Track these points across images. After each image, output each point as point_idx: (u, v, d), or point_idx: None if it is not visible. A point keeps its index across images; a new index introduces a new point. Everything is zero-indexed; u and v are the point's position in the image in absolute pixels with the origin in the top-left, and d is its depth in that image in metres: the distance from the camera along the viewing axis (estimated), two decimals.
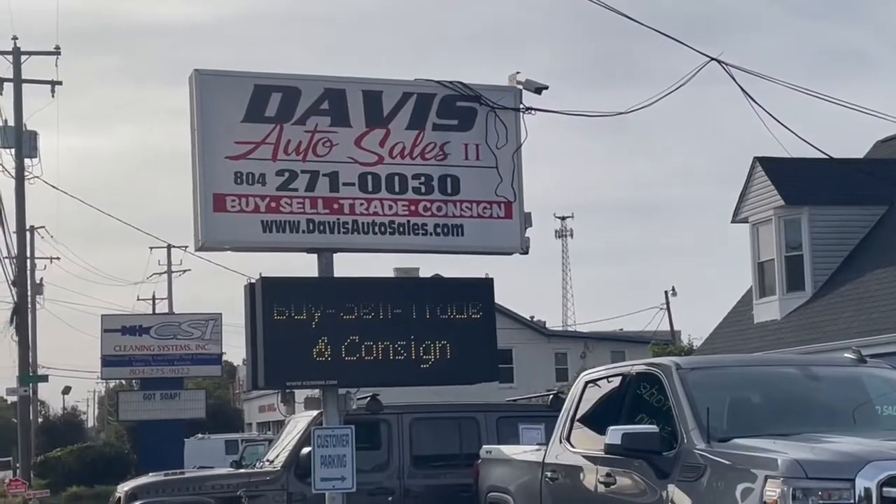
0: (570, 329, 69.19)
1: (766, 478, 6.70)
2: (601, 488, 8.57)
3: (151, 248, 56.90)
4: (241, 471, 13.46)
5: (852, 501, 6.41)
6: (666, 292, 57.02)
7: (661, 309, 56.70)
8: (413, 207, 10.76)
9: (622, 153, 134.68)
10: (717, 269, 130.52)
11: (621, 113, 11.66)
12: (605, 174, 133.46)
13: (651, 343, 43.46)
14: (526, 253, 11.10)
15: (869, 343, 18.37)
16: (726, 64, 12.13)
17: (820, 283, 23.46)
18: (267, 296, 10.33)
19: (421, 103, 10.86)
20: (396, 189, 10.73)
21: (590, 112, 11.69)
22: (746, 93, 12.37)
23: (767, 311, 24.42)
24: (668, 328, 55.45)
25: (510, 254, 11.27)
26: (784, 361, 10.77)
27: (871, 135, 36.93)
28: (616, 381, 9.20)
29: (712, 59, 12.16)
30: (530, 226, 11.04)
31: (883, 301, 21.05)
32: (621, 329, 63.79)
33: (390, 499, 12.48)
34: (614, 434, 7.94)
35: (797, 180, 23.68)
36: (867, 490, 6.39)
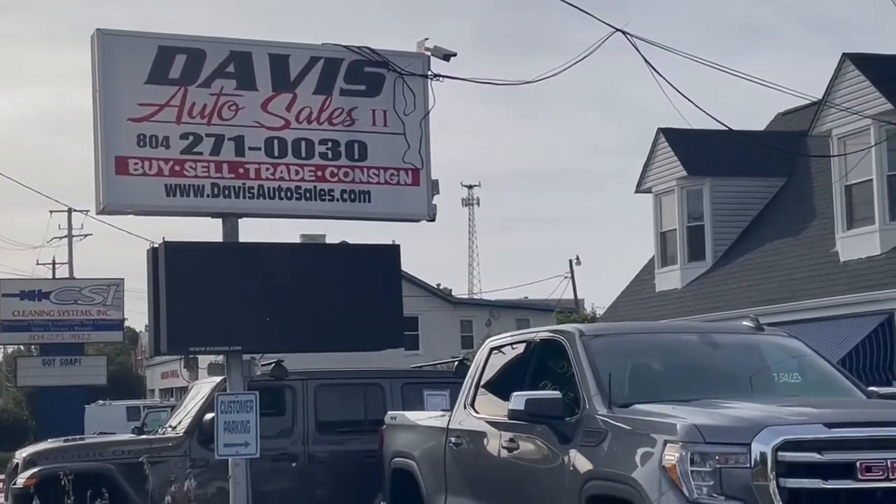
0: (475, 297, 69.52)
1: (666, 442, 6.79)
2: (504, 453, 8.63)
3: (52, 211, 55.68)
4: (143, 437, 13.28)
5: (748, 465, 6.52)
6: (570, 261, 57.62)
7: (566, 278, 57.26)
8: (320, 173, 10.68)
9: (530, 123, 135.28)
10: (621, 238, 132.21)
11: (527, 82, 11.70)
12: (512, 144, 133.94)
13: (555, 311, 43.88)
14: (433, 220, 11.10)
15: (767, 311, 18.78)
16: (631, 35, 12.21)
17: (720, 253, 23.89)
18: (170, 260, 10.19)
19: (328, 68, 10.76)
20: (303, 154, 10.64)
21: (496, 80, 11.74)
22: (650, 63, 12.47)
23: (669, 280, 24.80)
24: (572, 297, 56.00)
25: (417, 220, 11.26)
26: (684, 329, 10.94)
27: (773, 108, 37.60)
28: (520, 348, 9.27)
29: (617, 29, 12.23)
30: (437, 193, 11.04)
31: (780, 271, 21.51)
32: (526, 297, 64.28)
33: (294, 465, 12.45)
34: (518, 400, 8.00)
35: (699, 152, 24.03)
36: (763, 454, 6.50)
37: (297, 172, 10.59)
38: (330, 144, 10.71)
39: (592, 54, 11.52)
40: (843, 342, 17.96)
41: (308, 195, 10.61)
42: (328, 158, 10.69)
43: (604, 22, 12.14)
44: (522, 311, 55.00)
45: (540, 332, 9.22)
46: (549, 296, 58.59)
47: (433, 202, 11.04)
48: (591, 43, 11.90)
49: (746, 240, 23.66)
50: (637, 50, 12.11)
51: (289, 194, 10.55)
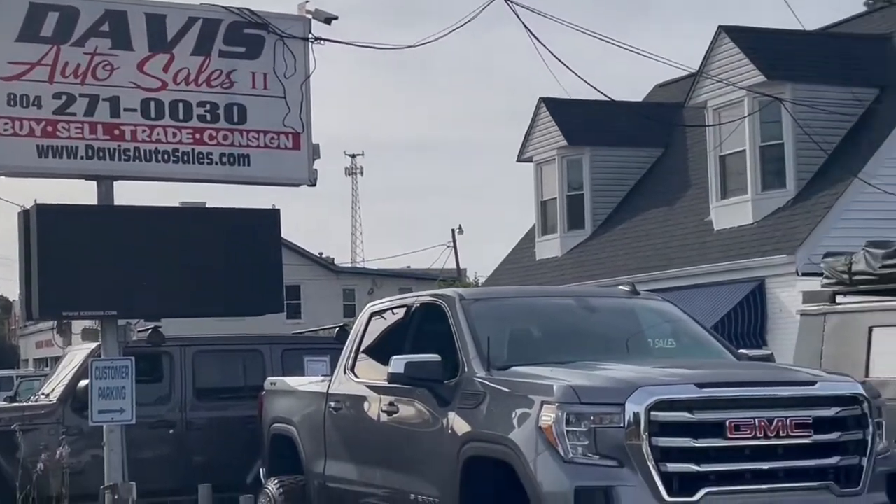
0: (358, 266, 69.38)
1: (542, 403, 6.85)
2: (384, 417, 8.63)
3: None
4: (15, 405, 12.98)
5: (622, 425, 6.61)
6: (453, 230, 57.72)
7: (448, 247, 57.43)
8: (198, 136, 10.49)
9: (415, 93, 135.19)
10: (504, 208, 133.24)
11: (409, 46, 11.66)
12: (396, 113, 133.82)
13: (438, 280, 44.03)
14: (314, 185, 11.00)
15: (644, 279, 19.14)
16: (512, 2, 12.23)
17: (599, 221, 24.24)
18: (42, 223, 9.91)
19: (207, 29, 10.55)
20: (181, 116, 10.44)
21: (378, 45, 11.65)
22: (531, 32, 12.50)
23: (549, 248, 25.09)
24: (455, 266, 56.25)
25: (298, 185, 11.16)
26: (562, 293, 11.05)
27: (655, 79, 38.12)
28: (401, 313, 9.26)
29: None
30: (318, 157, 10.94)
31: (657, 239, 21.91)
32: (409, 267, 64.39)
33: (171, 431, 12.30)
34: (397, 363, 7.99)
35: (580, 122, 24.30)
36: (636, 414, 6.60)
37: (174, 135, 10.39)
38: (208, 107, 10.52)
39: (479, 24, 11.57)
40: (716, 308, 18.40)
41: (186, 158, 10.42)
42: (206, 121, 10.50)
43: None
44: (405, 280, 55.09)
45: (420, 296, 9.22)
46: (431, 265, 58.76)
47: (314, 167, 10.94)
48: (475, 11, 11.89)
49: (625, 209, 24.04)
50: (518, 18, 12.14)
51: (166, 157, 10.35)
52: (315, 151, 10.91)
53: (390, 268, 61.26)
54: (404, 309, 9.20)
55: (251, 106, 10.67)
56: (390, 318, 9.46)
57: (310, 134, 10.88)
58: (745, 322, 18.22)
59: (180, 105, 10.42)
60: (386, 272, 57.23)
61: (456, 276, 50.48)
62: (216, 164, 10.54)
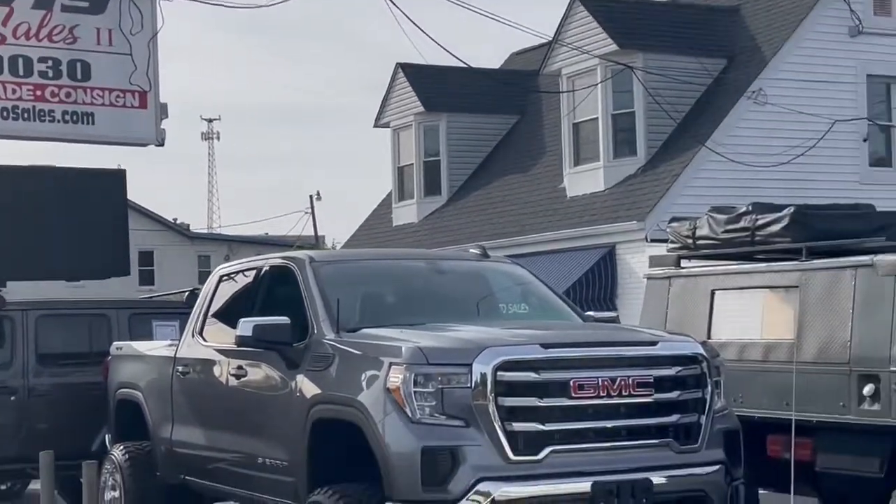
0: (214, 232, 68.39)
1: (391, 365, 6.83)
2: (232, 381, 8.52)
3: None
4: None
5: (469, 386, 6.63)
6: (311, 196, 57.36)
7: (307, 213, 57.04)
8: (39, 92, 10.19)
9: (273, 57, 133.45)
10: (362, 174, 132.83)
11: (263, 7, 11.49)
12: (254, 78, 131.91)
13: (295, 246, 43.71)
14: (161, 145, 10.79)
15: (499, 245, 19.30)
16: None
17: (455, 187, 24.35)
18: None
19: None
20: (21, 72, 10.13)
21: (229, 3, 11.43)
22: None
23: (406, 214, 25.11)
24: (312, 233, 55.90)
25: (145, 145, 10.93)
26: (413, 256, 11.04)
27: (509, 47, 38.38)
28: (251, 275, 9.12)
29: None
30: (166, 117, 10.72)
31: (512, 205, 22.12)
32: (267, 233, 63.74)
33: (13, 398, 11.91)
34: (245, 326, 7.85)
35: (437, 88, 24.31)
36: (483, 375, 6.62)
37: (13, 91, 10.07)
38: (50, 63, 10.23)
39: None
40: (570, 273, 18.68)
41: (26, 115, 10.12)
42: (48, 77, 10.21)
43: None
44: (262, 246, 54.44)
45: (270, 258, 9.08)
46: (289, 231, 58.32)
47: (162, 127, 10.72)
48: None
49: (480, 175, 24.19)
50: None
51: (5, 114, 10.04)
52: (163, 111, 10.69)
53: (247, 234, 60.59)
54: (254, 272, 9.06)
55: (96, 63, 10.41)
56: (240, 281, 9.31)
57: (157, 93, 10.66)
58: (597, 287, 18.55)
59: (20, 60, 10.11)
60: (243, 238, 56.55)
61: (314, 243, 50.20)
62: (58, 122, 10.27)
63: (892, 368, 8.45)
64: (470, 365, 6.65)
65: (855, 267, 8.94)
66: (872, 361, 8.63)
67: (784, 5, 20.12)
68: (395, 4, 12.56)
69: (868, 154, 19.88)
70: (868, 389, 8.61)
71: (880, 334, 8.58)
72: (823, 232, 9.71)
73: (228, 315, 9.02)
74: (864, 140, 19.74)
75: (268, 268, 8.87)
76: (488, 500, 6.49)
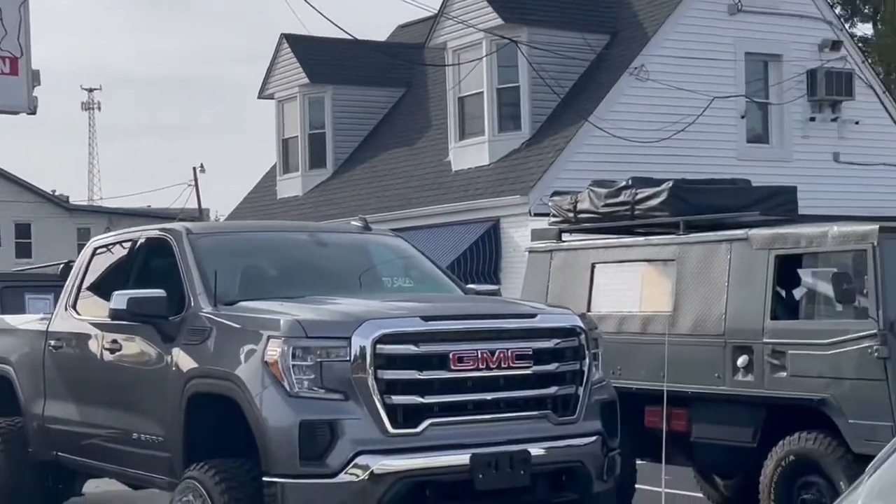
0: (95, 204, 66.94)
1: (269, 338, 6.73)
2: (107, 355, 8.32)
3: None
4: None
5: (348, 359, 6.57)
6: (194, 168, 56.44)
7: (190, 185, 56.14)
8: None
9: (157, 29, 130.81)
10: (247, 146, 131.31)
11: None
12: (139, 48, 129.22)
13: (178, 219, 43.03)
14: (34, 113, 10.48)
15: (385, 218, 19.23)
16: None
17: (341, 160, 24.19)
18: None
19: None
20: None
21: None
22: None
23: (290, 187, 24.88)
24: (196, 205, 55.06)
25: (16, 113, 10.60)
26: (294, 228, 10.92)
27: (395, 18, 38.21)
28: (126, 248, 8.91)
29: None
30: (38, 84, 10.42)
31: (397, 179, 22.05)
32: (149, 206, 62.59)
33: None
34: (119, 299, 7.66)
35: (322, 59, 24.08)
36: (362, 348, 6.56)
37: None
38: None
39: None
40: (453, 247, 18.72)
41: None
42: None
43: None
44: (144, 219, 53.38)
45: (146, 230, 8.88)
46: (172, 204, 57.39)
47: (34, 94, 10.40)
48: None
49: (366, 148, 24.07)
50: None
51: None
52: (35, 78, 10.38)
53: (129, 206, 59.43)
54: (130, 244, 8.86)
55: None
56: (115, 253, 9.10)
57: (29, 59, 10.32)
58: (481, 260, 18.62)
59: None
60: (124, 211, 55.44)
61: (197, 216, 49.45)
62: None
63: (766, 340, 8.66)
64: (349, 338, 6.59)
65: (730, 241, 9.10)
66: (746, 333, 8.81)
67: None
68: None
69: (745, 131, 20.29)
70: (742, 361, 8.80)
71: (754, 307, 8.76)
72: (700, 206, 9.88)
73: (103, 288, 8.80)
74: (742, 117, 20.12)
75: (144, 240, 8.67)
76: (367, 473, 6.45)
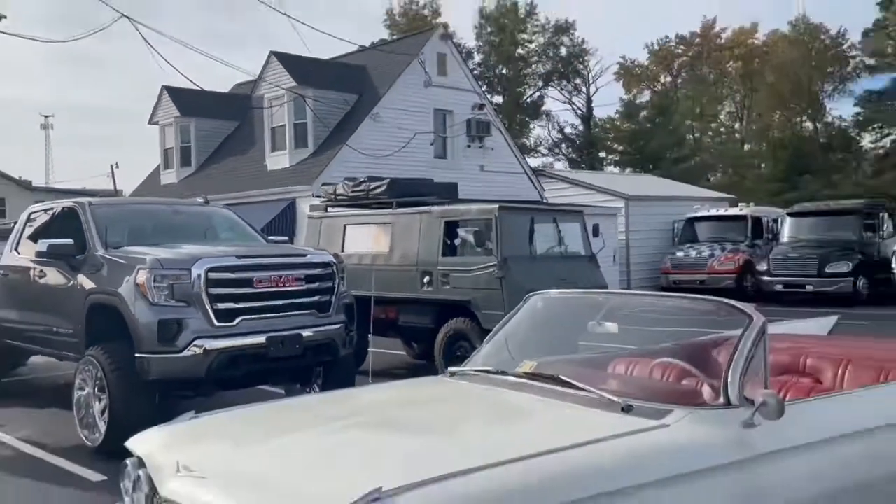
0: (50, 185, 59.92)
1: (139, 269, 6.15)
2: (37, 280, 7.42)
3: None
4: None
5: (190, 282, 6.10)
6: (111, 165, 51.52)
7: (108, 177, 51.21)
8: None
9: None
10: (149, 150, 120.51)
11: None
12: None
13: (98, 196, 39.10)
14: None
15: (224, 198, 18.07)
16: None
17: (201, 162, 22.59)
18: None
19: None
20: None
21: None
22: None
23: (169, 177, 23.04)
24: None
25: None
26: (160, 202, 10.08)
27: (234, 78, 35.92)
28: (51, 212, 7.98)
29: None
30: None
31: (234, 174, 20.80)
32: (84, 187, 56.61)
33: None
34: (43, 244, 6.90)
35: (189, 103, 22.29)
36: (199, 275, 6.11)
37: None
38: None
39: None
40: (266, 216, 17.65)
41: None
42: None
43: None
44: (81, 195, 48.36)
45: (64, 202, 7.97)
46: (100, 186, 52.18)
47: None
48: None
49: (216, 156, 22.53)
50: None
51: None
52: None
53: (71, 187, 53.49)
54: (53, 209, 7.93)
55: None
56: (44, 216, 8.13)
57: None
58: (283, 224, 17.86)
59: None
60: (67, 190, 49.79)
61: (114, 194, 45.22)
62: None
63: (439, 268, 8.77)
64: (190, 269, 6.11)
65: (420, 213, 9.17)
66: (428, 264, 8.90)
67: (388, 66, 20.14)
68: (156, 52, 11.11)
69: (433, 151, 20.46)
70: (426, 279, 8.87)
71: (433, 249, 8.87)
72: (407, 193, 9.92)
73: (35, 237, 7.83)
74: (431, 144, 20.24)
75: (62, 208, 7.76)
76: (201, 349, 6.02)
